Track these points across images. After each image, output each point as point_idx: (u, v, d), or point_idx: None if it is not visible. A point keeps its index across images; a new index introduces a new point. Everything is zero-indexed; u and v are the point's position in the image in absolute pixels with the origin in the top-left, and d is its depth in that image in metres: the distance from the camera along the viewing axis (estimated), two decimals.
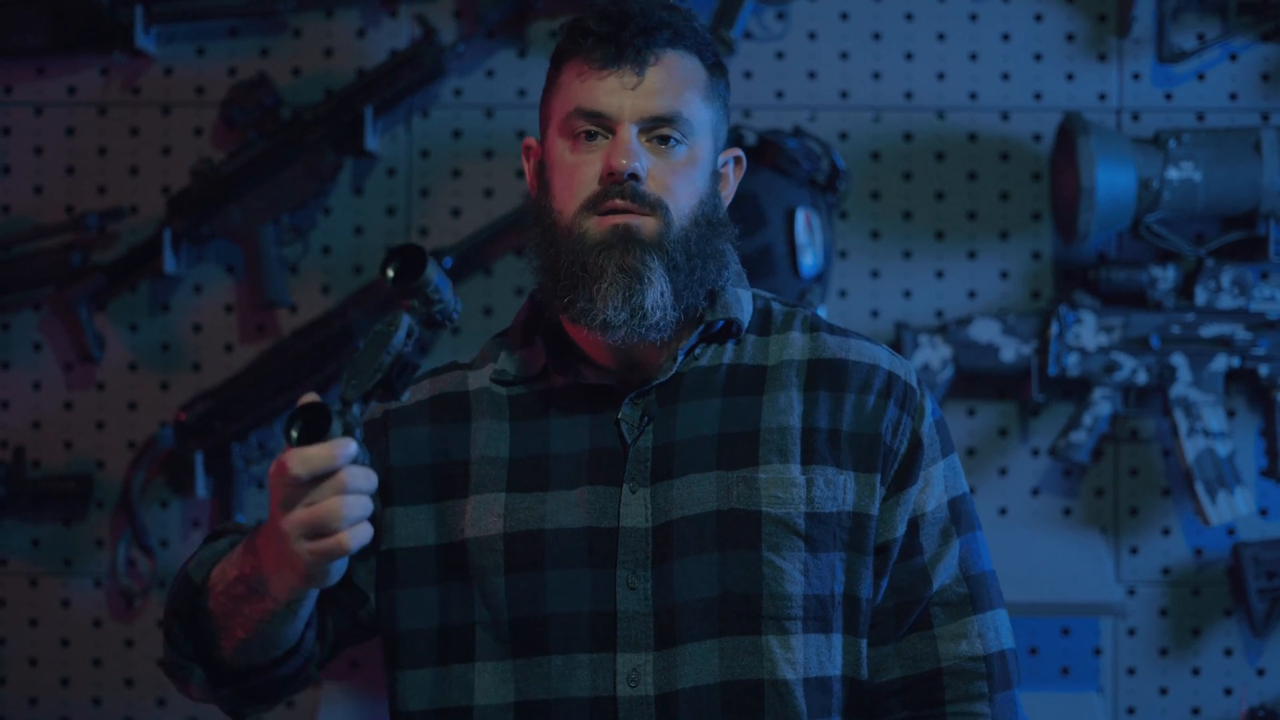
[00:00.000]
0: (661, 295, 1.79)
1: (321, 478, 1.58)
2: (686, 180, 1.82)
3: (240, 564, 1.71)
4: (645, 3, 1.84)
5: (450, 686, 1.83)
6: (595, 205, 1.80)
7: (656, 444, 1.82)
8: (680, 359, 1.84)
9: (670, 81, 1.82)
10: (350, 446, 1.58)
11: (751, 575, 1.79)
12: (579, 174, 1.81)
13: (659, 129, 1.81)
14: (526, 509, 1.82)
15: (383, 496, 1.86)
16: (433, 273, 1.63)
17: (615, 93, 1.81)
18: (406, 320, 1.63)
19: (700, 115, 1.83)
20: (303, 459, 1.58)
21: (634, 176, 1.79)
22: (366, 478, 1.60)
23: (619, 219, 1.79)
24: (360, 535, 1.60)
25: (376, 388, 1.63)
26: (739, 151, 1.92)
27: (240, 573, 1.71)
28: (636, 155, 1.79)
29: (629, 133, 1.80)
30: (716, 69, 1.88)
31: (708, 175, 1.85)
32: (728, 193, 1.90)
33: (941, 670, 1.85)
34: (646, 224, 1.80)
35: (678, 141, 1.82)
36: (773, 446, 1.81)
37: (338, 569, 1.64)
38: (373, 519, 1.63)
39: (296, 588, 1.66)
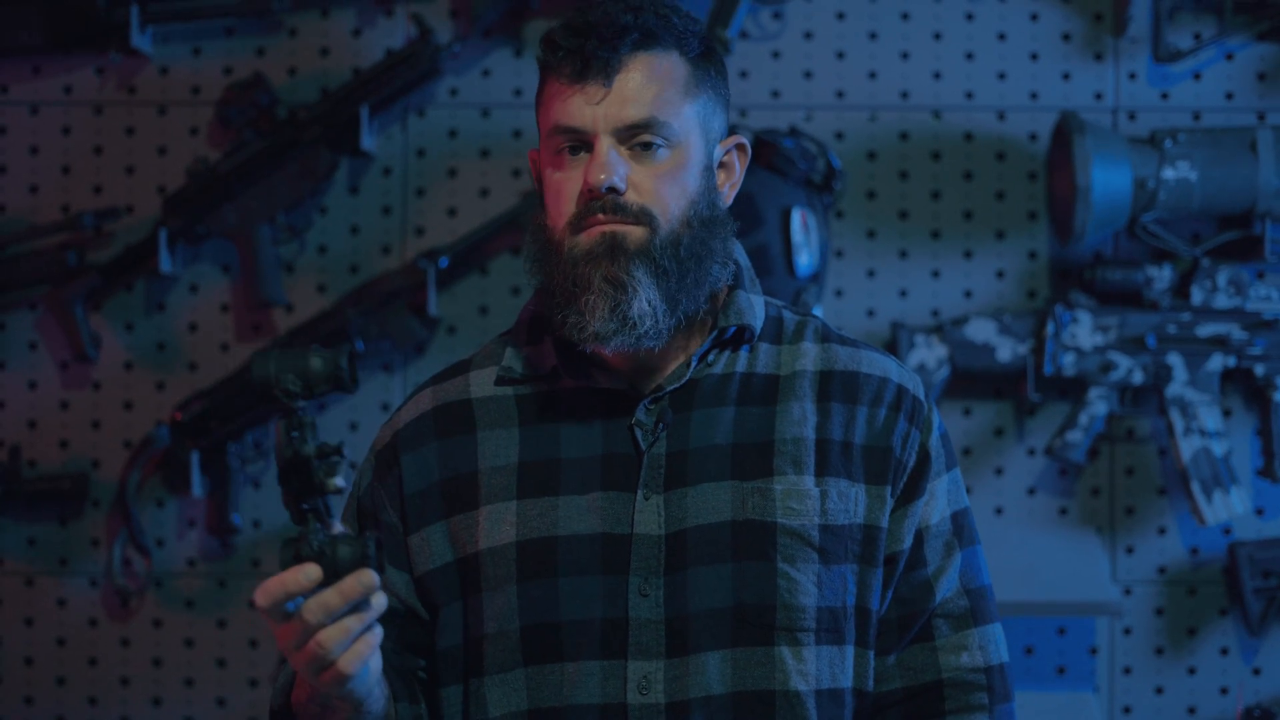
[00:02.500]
0: (649, 304, 1.77)
1: (290, 612, 1.60)
2: (673, 183, 1.80)
3: (304, 686, 1.72)
4: (611, 9, 1.80)
5: (470, 701, 1.84)
6: (579, 223, 1.79)
7: (670, 451, 1.81)
8: (694, 365, 1.83)
9: (642, 86, 1.79)
10: (301, 575, 1.58)
11: (766, 586, 1.78)
12: (564, 191, 1.80)
13: (637, 136, 1.79)
14: (538, 515, 1.81)
15: (403, 525, 1.87)
16: (269, 370, 1.60)
17: (585, 104, 1.79)
18: (274, 429, 1.61)
19: (682, 114, 1.81)
20: (262, 590, 1.60)
21: (613, 190, 1.77)
22: (342, 594, 1.59)
23: (604, 228, 1.78)
24: (359, 655, 1.61)
25: (292, 502, 1.60)
26: (741, 138, 1.89)
27: (308, 694, 1.72)
28: (613, 169, 1.77)
29: (605, 146, 1.78)
30: (703, 58, 1.84)
31: (698, 173, 1.82)
32: (734, 181, 1.88)
33: (942, 681, 1.85)
34: (633, 232, 1.78)
35: (659, 146, 1.79)
36: (787, 458, 1.81)
37: (371, 670, 1.64)
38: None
39: (346, 701, 1.67)
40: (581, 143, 1.80)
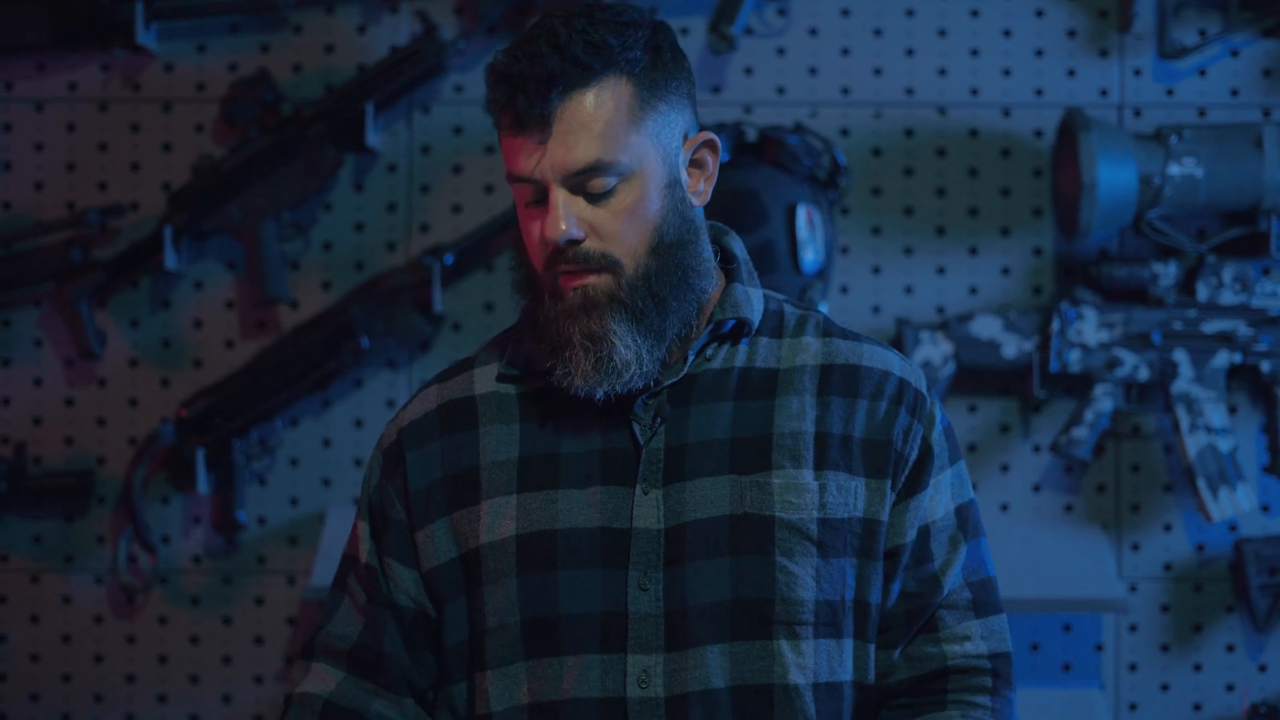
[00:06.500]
0: (630, 351, 1.78)
1: None
2: (632, 219, 1.78)
3: None
4: (539, 50, 1.75)
5: (474, 696, 1.84)
6: (550, 267, 1.79)
7: (669, 445, 1.81)
8: (691, 359, 1.84)
9: (583, 128, 1.75)
10: None
11: (764, 580, 1.79)
12: (532, 234, 1.81)
13: (587, 181, 1.77)
14: (538, 509, 1.82)
15: (409, 521, 1.88)
16: None
17: (530, 154, 1.76)
18: None
19: (630, 144, 1.77)
20: None
21: (572, 242, 1.77)
22: None
23: (576, 281, 1.78)
24: None
25: None
26: (709, 135, 1.84)
27: None
28: (568, 222, 1.76)
29: (558, 197, 1.76)
30: (652, 68, 1.79)
31: (658, 195, 1.79)
32: (708, 175, 1.84)
33: (947, 669, 1.86)
34: (602, 282, 1.78)
35: (612, 184, 1.77)
36: (786, 451, 1.81)
37: None
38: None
39: None
40: (538, 190, 1.78)
